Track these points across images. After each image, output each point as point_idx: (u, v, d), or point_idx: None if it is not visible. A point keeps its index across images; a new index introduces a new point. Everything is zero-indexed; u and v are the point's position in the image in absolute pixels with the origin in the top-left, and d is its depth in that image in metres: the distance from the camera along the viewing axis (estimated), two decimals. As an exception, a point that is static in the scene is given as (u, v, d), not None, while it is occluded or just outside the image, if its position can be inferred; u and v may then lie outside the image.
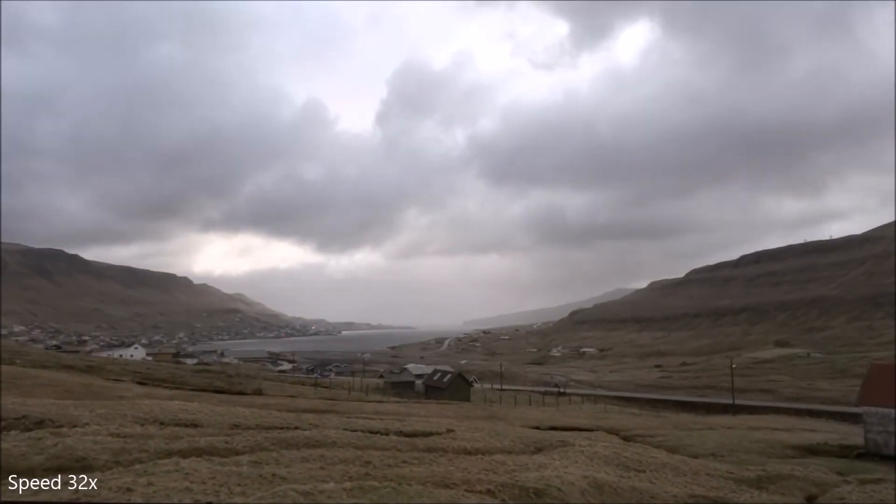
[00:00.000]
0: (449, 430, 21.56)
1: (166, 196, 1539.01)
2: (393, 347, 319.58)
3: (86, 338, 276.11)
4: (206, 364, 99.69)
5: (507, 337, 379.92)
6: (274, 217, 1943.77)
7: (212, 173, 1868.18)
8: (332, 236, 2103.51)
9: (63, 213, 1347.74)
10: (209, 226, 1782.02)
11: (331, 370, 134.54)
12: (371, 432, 18.67)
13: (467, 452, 16.64)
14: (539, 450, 19.20)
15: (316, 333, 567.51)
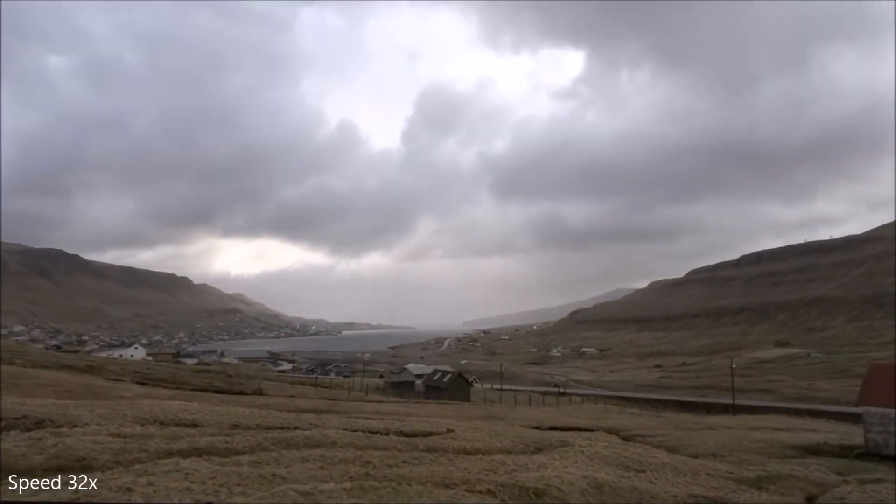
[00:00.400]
0: (449, 430, 21.56)
1: (202, 205, 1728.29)
2: (393, 347, 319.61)
3: (86, 338, 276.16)
4: (206, 364, 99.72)
5: (507, 337, 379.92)
6: (294, 223, 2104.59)
7: (248, 185, 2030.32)
8: (346, 241, 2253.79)
9: (103, 219, 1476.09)
10: (230, 231, 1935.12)
11: (331, 370, 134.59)
12: (371, 432, 18.67)
13: (467, 452, 16.64)
14: (539, 450, 19.20)
15: (316, 333, 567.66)
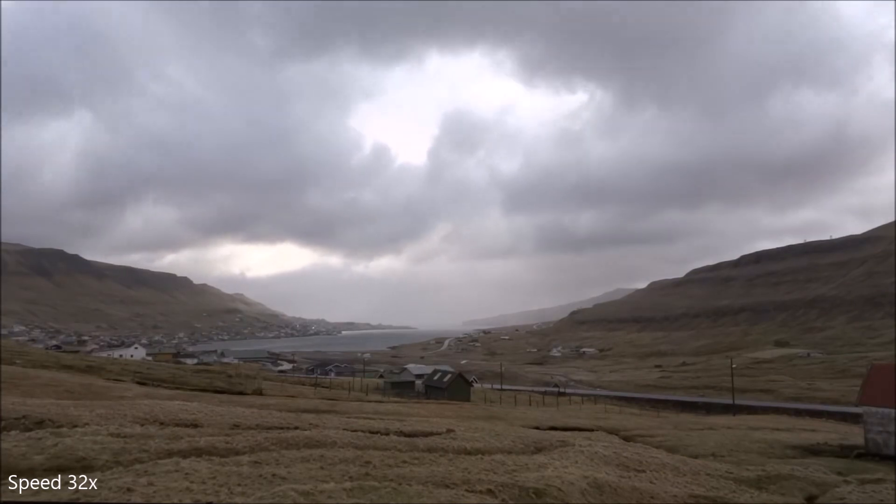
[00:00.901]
0: (449, 430, 21.56)
1: (236, 216, 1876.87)
2: (393, 347, 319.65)
3: (86, 338, 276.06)
4: (207, 364, 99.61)
5: (507, 337, 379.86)
6: (318, 231, 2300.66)
7: (284, 198, 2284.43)
8: (362, 245, 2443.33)
9: (145, 226, 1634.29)
10: (252, 237, 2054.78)
11: (331, 370, 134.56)
12: (371, 432, 18.68)
13: (467, 452, 16.64)
14: (539, 450, 19.20)
15: (316, 333, 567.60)
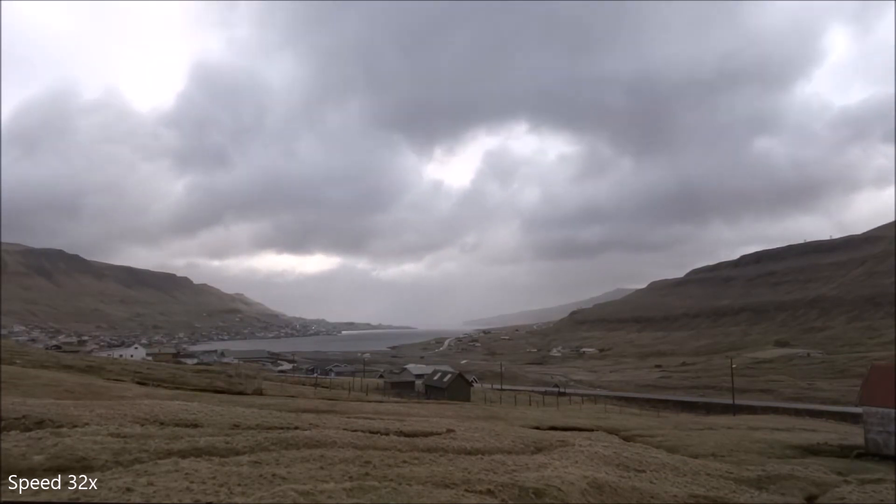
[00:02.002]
0: (449, 430, 21.56)
1: (285, 226, 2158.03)
2: (393, 347, 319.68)
3: (86, 338, 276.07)
4: (207, 364, 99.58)
5: (507, 337, 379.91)
6: (353, 242, 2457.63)
7: (329, 215, 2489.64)
8: (389, 254, 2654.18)
9: (218, 239, 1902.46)
10: (286, 247, 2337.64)
11: (331, 370, 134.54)
12: (371, 432, 18.68)
13: (467, 452, 16.64)
14: (539, 450, 19.20)
15: (316, 333, 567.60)
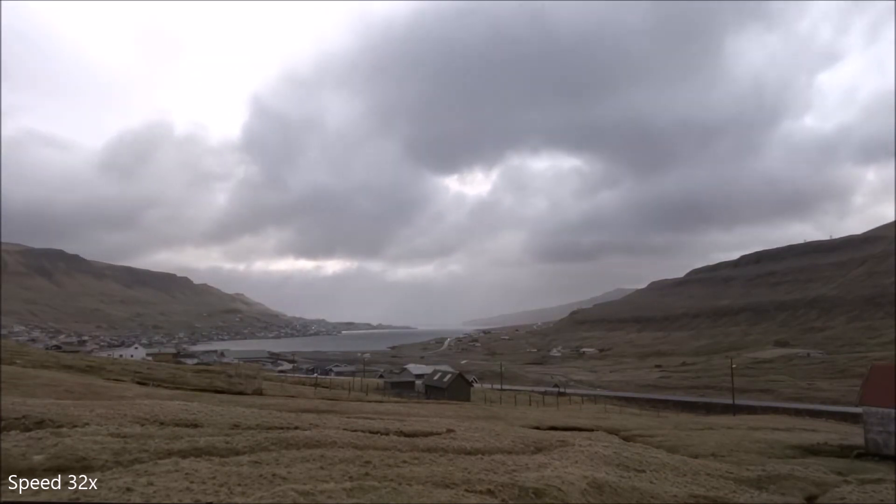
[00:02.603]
0: (449, 430, 21.56)
1: (317, 237, 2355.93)
2: (393, 347, 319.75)
3: (86, 338, 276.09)
4: (207, 364, 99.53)
5: (507, 337, 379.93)
6: (371, 246, 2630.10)
7: (354, 224, 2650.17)
8: (402, 256, 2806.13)
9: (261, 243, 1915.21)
10: (304, 253, 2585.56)
11: (331, 370, 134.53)
12: (371, 432, 18.67)
13: (467, 452, 16.64)
14: (539, 450, 19.20)
15: (316, 333, 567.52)
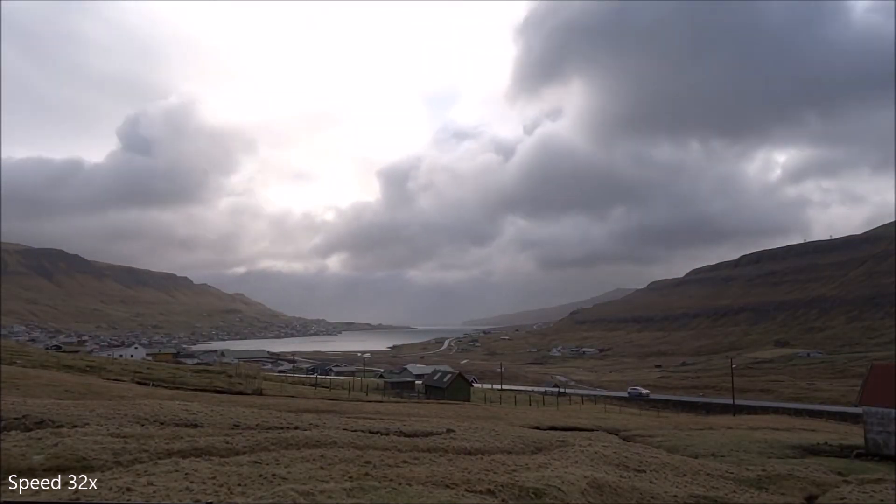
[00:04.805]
0: (449, 430, 21.56)
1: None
2: (393, 347, 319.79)
3: (86, 338, 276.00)
4: (207, 364, 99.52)
5: (507, 337, 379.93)
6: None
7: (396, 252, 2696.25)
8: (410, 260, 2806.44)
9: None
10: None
11: (331, 370, 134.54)
12: (371, 432, 18.68)
13: (467, 452, 16.64)
14: (539, 450, 19.20)
15: (316, 333, 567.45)
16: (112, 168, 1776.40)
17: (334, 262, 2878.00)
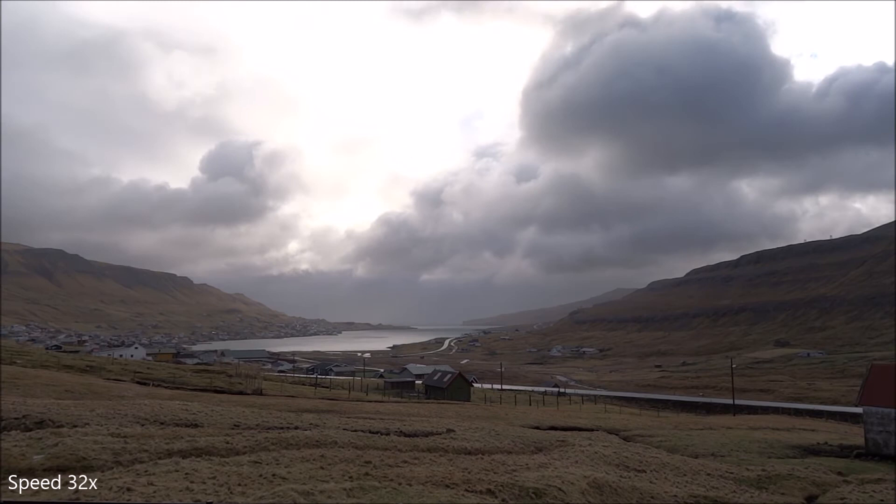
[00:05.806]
0: (449, 430, 21.57)
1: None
2: (393, 347, 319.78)
3: (86, 338, 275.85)
4: (207, 364, 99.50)
5: (507, 337, 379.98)
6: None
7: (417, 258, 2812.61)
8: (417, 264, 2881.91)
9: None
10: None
11: (331, 370, 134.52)
12: (371, 432, 18.68)
13: (467, 452, 16.65)
14: (539, 450, 19.21)
15: (316, 334, 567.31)
16: (193, 192, 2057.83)
17: (357, 268, 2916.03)
